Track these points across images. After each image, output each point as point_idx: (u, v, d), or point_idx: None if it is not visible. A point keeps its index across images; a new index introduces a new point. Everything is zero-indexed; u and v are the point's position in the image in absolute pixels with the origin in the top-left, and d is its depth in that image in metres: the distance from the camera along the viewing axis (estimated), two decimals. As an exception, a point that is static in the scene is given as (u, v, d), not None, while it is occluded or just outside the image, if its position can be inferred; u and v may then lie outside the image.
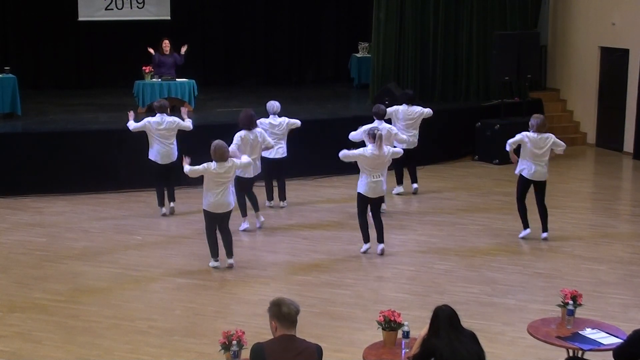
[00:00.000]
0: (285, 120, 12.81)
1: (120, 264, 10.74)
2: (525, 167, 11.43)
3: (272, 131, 12.50)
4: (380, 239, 11.03)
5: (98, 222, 12.50)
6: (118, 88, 17.91)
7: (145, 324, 8.87)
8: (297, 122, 12.94)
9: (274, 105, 12.84)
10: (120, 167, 14.07)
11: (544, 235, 11.64)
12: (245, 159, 10.61)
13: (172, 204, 12.80)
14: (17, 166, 13.77)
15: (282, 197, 13.23)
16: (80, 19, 18.36)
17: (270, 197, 13.17)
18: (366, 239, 11.06)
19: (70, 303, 9.44)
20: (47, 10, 18.66)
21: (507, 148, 11.58)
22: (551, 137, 11.47)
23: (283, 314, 5.31)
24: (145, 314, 9.15)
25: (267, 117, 12.74)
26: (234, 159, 10.37)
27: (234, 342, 6.43)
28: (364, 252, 11.04)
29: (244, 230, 11.96)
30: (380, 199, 11.18)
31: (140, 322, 8.90)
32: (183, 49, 16.17)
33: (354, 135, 12.04)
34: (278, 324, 5.33)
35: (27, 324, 8.88)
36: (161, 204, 12.75)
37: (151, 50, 16.07)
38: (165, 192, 12.74)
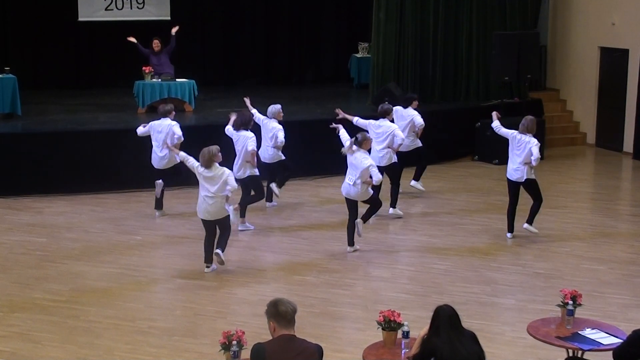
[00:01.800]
0: (273, 126, 12.59)
1: (120, 264, 10.74)
2: (508, 167, 11.48)
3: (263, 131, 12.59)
4: (349, 241, 11.09)
5: (98, 222, 12.50)
6: (118, 88, 17.92)
7: (145, 324, 8.87)
8: (278, 135, 12.48)
9: (271, 109, 12.78)
10: (120, 167, 14.07)
11: (525, 225, 11.62)
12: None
13: (157, 213, 12.72)
14: (17, 166, 13.77)
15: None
16: (80, 19, 18.36)
17: (268, 198, 13.15)
18: (349, 242, 11.13)
19: (70, 303, 9.44)
20: (47, 10, 18.66)
21: (495, 129, 11.76)
22: (531, 142, 11.19)
23: (280, 312, 5.31)
24: (145, 314, 9.16)
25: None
26: (228, 175, 10.10)
27: (234, 342, 6.44)
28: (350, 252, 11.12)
29: (242, 230, 11.95)
30: (353, 204, 10.96)
31: (140, 322, 8.91)
32: (174, 30, 16.19)
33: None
34: (276, 324, 5.33)
35: (27, 324, 8.88)
36: (157, 207, 12.69)
37: (132, 39, 16.07)
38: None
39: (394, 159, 12.49)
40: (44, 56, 18.97)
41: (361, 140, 10.76)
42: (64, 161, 13.94)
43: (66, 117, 15.56)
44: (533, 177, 11.40)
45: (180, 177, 12.37)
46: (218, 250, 10.24)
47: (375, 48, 17.34)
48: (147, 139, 12.54)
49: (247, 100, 13.11)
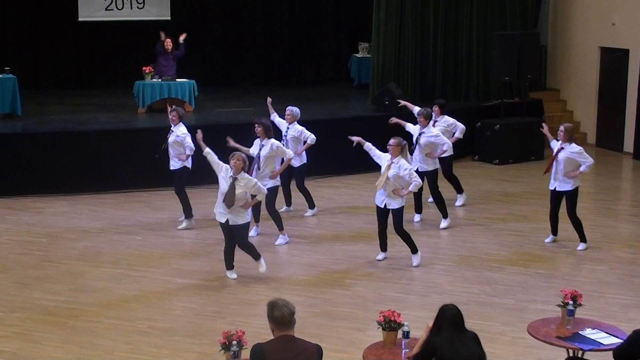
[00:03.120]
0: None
1: (120, 264, 10.74)
2: None
3: None
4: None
5: (98, 222, 12.50)
6: (118, 88, 17.92)
7: (145, 324, 8.87)
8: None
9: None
10: (120, 167, 14.07)
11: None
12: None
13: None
14: (17, 166, 13.77)
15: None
16: (80, 19, 18.35)
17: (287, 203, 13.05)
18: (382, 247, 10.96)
19: (70, 303, 9.44)
20: (47, 10, 18.66)
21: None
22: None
23: (276, 318, 5.30)
24: (145, 314, 9.15)
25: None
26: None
27: (234, 342, 6.44)
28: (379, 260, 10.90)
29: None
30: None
31: (140, 322, 8.91)
32: (182, 38, 16.17)
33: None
34: (274, 326, 5.33)
35: (27, 324, 8.88)
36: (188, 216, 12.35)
37: (173, 42, 16.05)
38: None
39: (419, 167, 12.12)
40: (44, 56, 18.96)
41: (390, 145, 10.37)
42: (64, 161, 13.94)
43: (66, 117, 15.56)
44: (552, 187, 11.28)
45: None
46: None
47: (375, 48, 17.33)
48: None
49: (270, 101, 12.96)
